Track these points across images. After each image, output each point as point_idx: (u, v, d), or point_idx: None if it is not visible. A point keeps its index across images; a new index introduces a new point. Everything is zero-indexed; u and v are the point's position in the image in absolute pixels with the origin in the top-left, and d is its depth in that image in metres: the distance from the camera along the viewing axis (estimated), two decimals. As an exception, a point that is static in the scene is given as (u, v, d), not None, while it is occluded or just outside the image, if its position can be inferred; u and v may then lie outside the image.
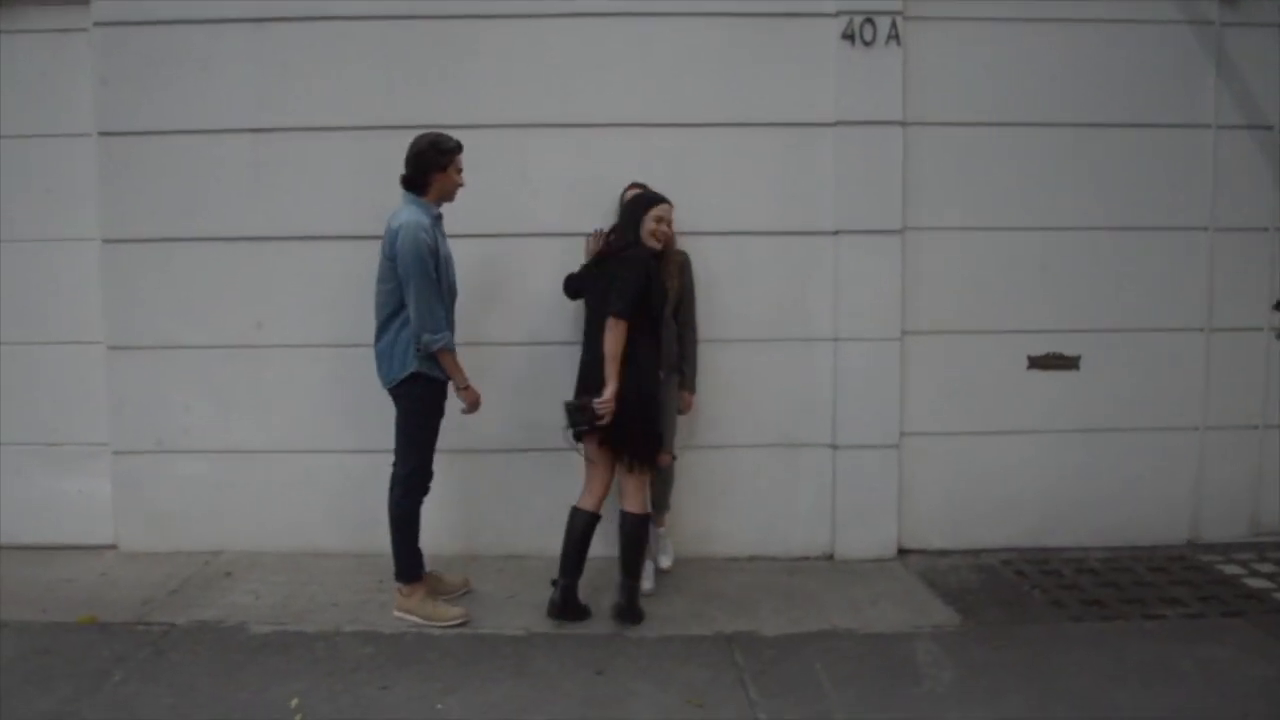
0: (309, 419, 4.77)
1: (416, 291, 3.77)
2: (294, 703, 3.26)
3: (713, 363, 4.68)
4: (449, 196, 4.00)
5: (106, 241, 4.72)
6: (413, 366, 3.87)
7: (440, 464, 4.12)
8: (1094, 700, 3.41)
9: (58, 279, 4.80)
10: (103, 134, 4.67)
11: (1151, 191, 4.84)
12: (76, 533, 4.82)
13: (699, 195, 4.63)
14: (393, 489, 4.01)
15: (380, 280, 3.91)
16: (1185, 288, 4.90)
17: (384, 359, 3.94)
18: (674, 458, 4.45)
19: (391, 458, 4.03)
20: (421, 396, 3.93)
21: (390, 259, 3.83)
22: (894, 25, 4.58)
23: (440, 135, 3.92)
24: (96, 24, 4.63)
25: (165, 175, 4.68)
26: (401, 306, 3.86)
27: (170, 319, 4.75)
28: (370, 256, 4.25)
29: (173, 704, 3.26)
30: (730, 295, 4.68)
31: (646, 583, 4.33)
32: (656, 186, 4.42)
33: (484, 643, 3.82)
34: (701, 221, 4.62)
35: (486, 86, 4.64)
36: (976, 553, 4.92)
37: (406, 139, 4.12)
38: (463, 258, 4.22)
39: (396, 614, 4.04)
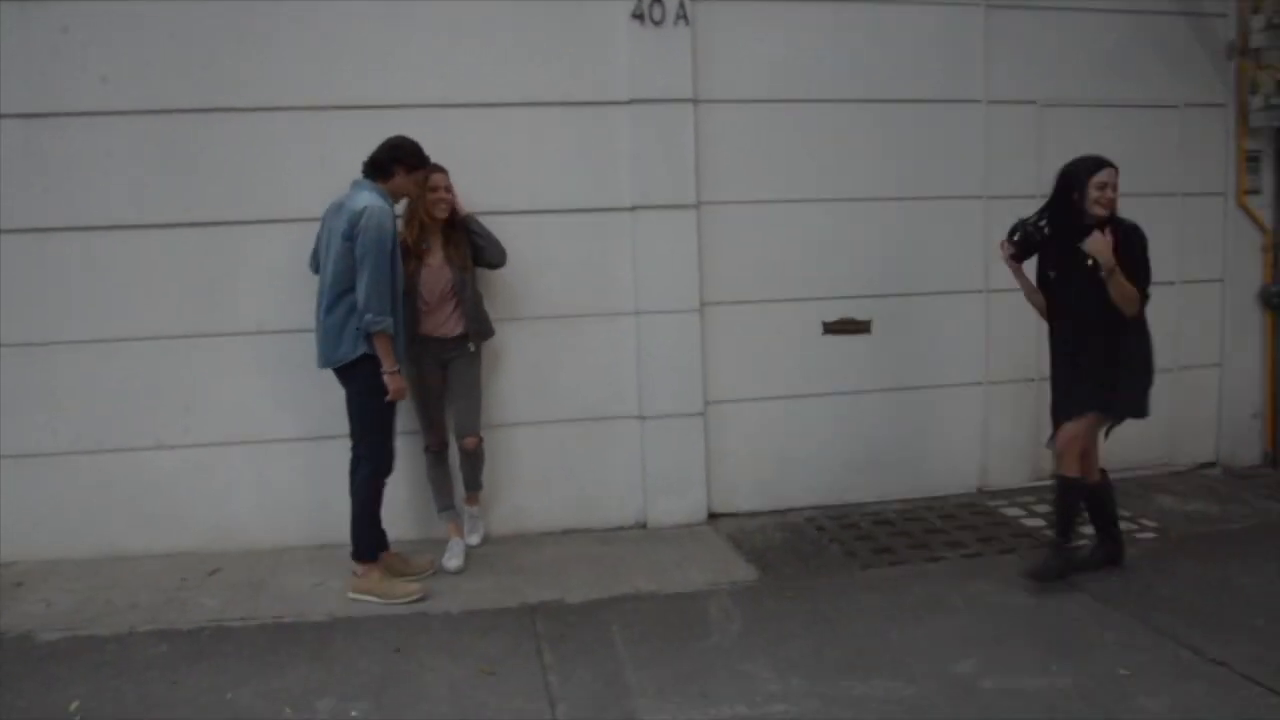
0: (103, 417, 4.66)
1: (371, 272, 3.90)
2: (73, 706, 3.27)
3: (517, 341, 4.86)
4: (398, 196, 4.17)
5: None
6: (363, 349, 3.99)
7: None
8: (868, 638, 3.76)
9: None
10: None
11: (931, 164, 5.27)
12: None
13: (499, 176, 4.78)
14: (356, 470, 4.17)
15: (335, 260, 3.99)
16: (964, 253, 5.36)
17: (333, 338, 4.04)
18: (480, 439, 4.61)
19: (195, 452, 4.37)
20: (372, 377, 4.03)
21: (348, 239, 3.93)
22: (681, 5, 4.81)
23: (420, 146, 4.14)
24: None
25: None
26: (353, 287, 3.96)
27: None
28: (163, 244, 4.47)
29: (-63, 718, 3.23)
30: (533, 273, 4.84)
31: (454, 561, 4.49)
32: (458, 168, 4.53)
33: (284, 631, 3.89)
34: (502, 201, 4.75)
35: (285, 67, 4.61)
36: (784, 512, 5.27)
37: (202, 121, 4.45)
38: (274, 245, 4.47)
39: (351, 595, 4.15)
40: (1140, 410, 4.21)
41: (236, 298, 4.65)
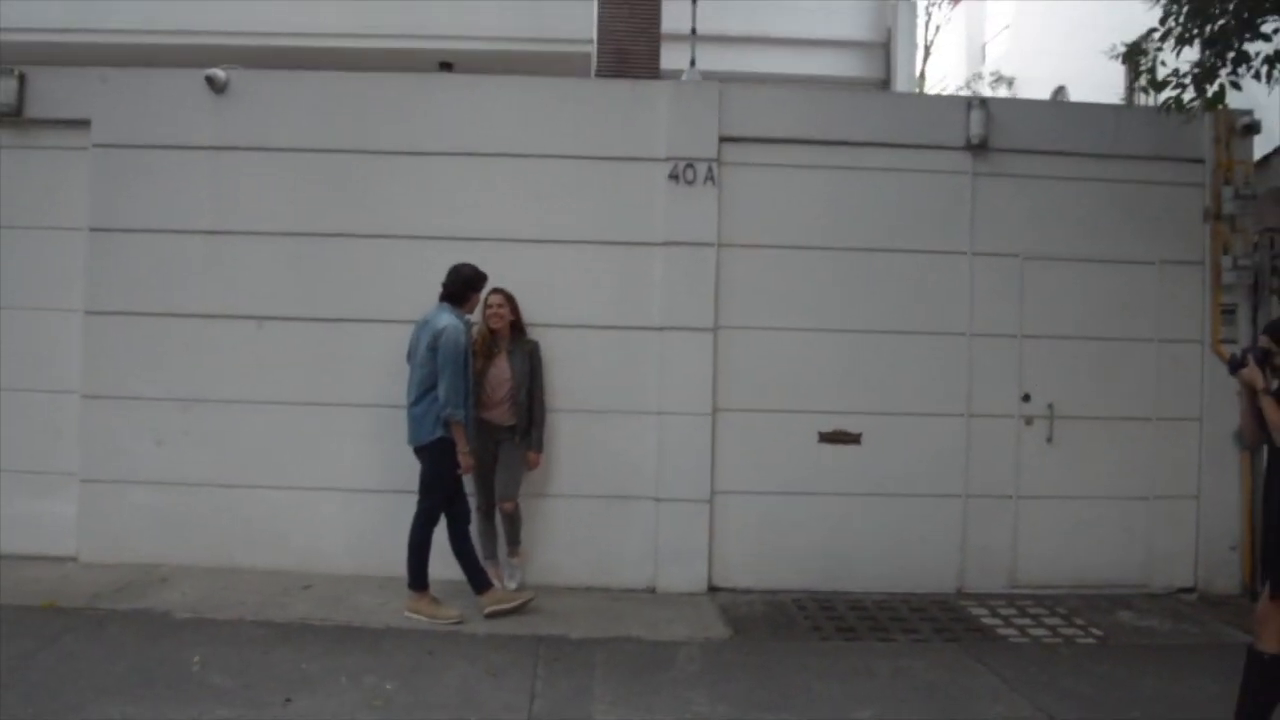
0: (238, 458, 6.33)
1: (450, 377, 5.44)
2: (196, 659, 4.81)
3: (560, 429, 6.28)
4: (471, 310, 5.77)
5: (88, 313, 6.38)
6: (440, 432, 5.50)
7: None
8: (796, 688, 4.89)
9: (46, 341, 6.45)
10: (92, 229, 6.37)
11: (920, 303, 6.48)
12: (46, 545, 6.34)
13: (555, 296, 6.30)
14: (414, 519, 5.59)
15: (421, 364, 5.54)
16: (949, 381, 6.49)
17: (418, 423, 5.55)
18: (516, 504, 6.03)
19: (301, 493, 6.11)
20: (445, 455, 5.52)
21: (431, 349, 5.47)
22: (710, 169, 6.31)
23: (477, 268, 5.68)
24: (95, 145, 6.39)
25: (138, 263, 6.36)
26: (435, 385, 5.45)
27: (134, 376, 6.37)
28: (298, 335, 6.20)
29: (104, 655, 4.80)
30: (576, 375, 6.30)
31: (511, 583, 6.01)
32: (522, 290, 6.07)
33: (352, 632, 5.36)
34: (556, 316, 6.27)
35: (395, 206, 6.35)
36: (775, 592, 6.41)
37: (331, 244, 6.15)
38: (379, 340, 6.08)
39: (406, 613, 5.58)
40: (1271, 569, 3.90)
41: (347, 378, 6.31)
